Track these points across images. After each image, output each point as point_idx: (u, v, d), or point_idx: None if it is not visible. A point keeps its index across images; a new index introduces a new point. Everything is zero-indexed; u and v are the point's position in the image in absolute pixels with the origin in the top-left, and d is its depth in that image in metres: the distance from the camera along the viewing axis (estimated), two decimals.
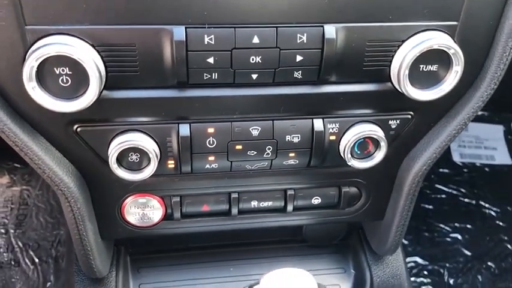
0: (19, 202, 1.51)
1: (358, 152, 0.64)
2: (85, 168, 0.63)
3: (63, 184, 0.61)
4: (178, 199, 0.68)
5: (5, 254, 1.42)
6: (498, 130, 1.78)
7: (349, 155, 0.64)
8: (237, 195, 0.69)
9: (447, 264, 1.50)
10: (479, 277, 1.49)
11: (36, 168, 0.61)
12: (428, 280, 1.47)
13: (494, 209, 1.61)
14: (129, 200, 0.67)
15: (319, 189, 0.71)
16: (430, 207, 1.60)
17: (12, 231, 1.46)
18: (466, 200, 1.62)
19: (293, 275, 0.45)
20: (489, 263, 1.51)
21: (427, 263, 1.49)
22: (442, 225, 1.56)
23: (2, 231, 1.46)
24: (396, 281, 0.77)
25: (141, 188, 0.66)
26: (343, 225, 0.84)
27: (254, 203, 0.70)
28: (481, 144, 1.74)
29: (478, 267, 1.50)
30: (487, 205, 1.61)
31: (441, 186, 1.64)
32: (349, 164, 0.64)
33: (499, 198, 1.62)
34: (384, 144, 0.64)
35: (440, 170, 1.68)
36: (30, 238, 1.45)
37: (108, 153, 0.59)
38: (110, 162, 0.60)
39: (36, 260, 1.41)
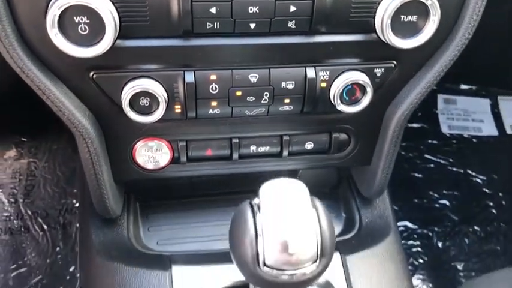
0: (27, 173, 1.58)
1: (347, 98, 0.71)
2: (100, 113, 0.70)
3: (81, 126, 0.68)
4: (184, 143, 0.75)
5: (15, 221, 1.49)
6: (485, 104, 1.85)
7: (339, 100, 0.70)
8: (237, 141, 0.76)
9: (436, 228, 1.58)
10: (466, 240, 1.57)
11: (56, 111, 0.67)
12: (418, 243, 1.54)
13: (481, 177, 1.68)
14: (139, 144, 0.74)
15: (311, 135, 0.78)
16: (420, 175, 1.68)
17: (21, 200, 1.53)
18: (454, 168, 1.70)
19: (288, 185, 0.52)
20: (475, 227, 1.59)
21: (416, 227, 1.57)
22: (431, 193, 1.64)
23: (12, 200, 1.53)
24: (383, 221, 0.85)
25: (150, 132, 0.73)
26: (334, 174, 0.91)
27: (253, 148, 0.77)
28: (468, 117, 1.81)
29: (465, 231, 1.58)
30: (473, 173, 1.69)
31: (430, 156, 1.72)
32: (339, 108, 0.71)
33: (485, 167, 1.70)
34: (369, 90, 0.71)
35: (430, 141, 1.75)
36: (38, 207, 1.52)
37: (121, 97, 0.66)
38: (123, 106, 0.66)
39: (45, 227, 1.48)
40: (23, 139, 1.63)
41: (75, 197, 1.53)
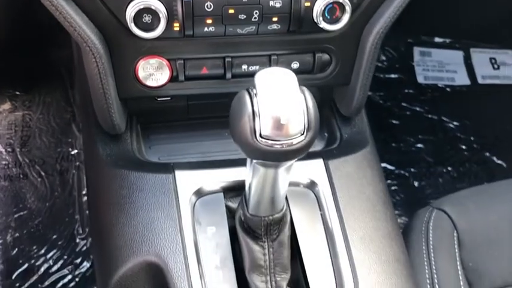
0: (22, 125, 1.64)
1: (328, 17, 0.79)
2: (107, 31, 0.76)
3: (91, 41, 0.75)
4: (182, 62, 0.82)
5: (13, 168, 1.55)
6: (458, 55, 1.95)
7: (321, 19, 0.79)
8: (230, 60, 0.83)
9: (412, 169, 1.69)
10: (440, 179, 1.69)
11: (68, 27, 0.74)
12: (396, 182, 1.66)
13: (454, 122, 1.80)
14: (142, 62, 0.81)
15: (297, 55, 0.86)
16: (397, 122, 1.78)
17: (18, 149, 1.59)
18: (429, 115, 1.80)
19: (280, 73, 0.61)
20: (449, 168, 1.71)
21: (394, 168, 1.68)
22: (408, 137, 1.75)
23: (9, 149, 1.59)
24: (361, 136, 0.94)
25: (152, 51, 0.80)
26: (317, 96, 0.99)
27: (244, 67, 0.85)
28: (443, 68, 1.92)
29: (439, 172, 1.70)
30: (447, 120, 1.80)
31: (407, 104, 1.82)
32: (321, 26, 0.79)
33: (458, 113, 1.81)
34: (348, 9, 0.79)
35: (407, 90, 1.85)
36: (35, 155, 1.58)
37: (126, 14, 0.73)
38: (127, 21, 0.73)
39: (43, 174, 1.55)
40: (16, 93, 1.68)
41: (71, 145, 1.60)
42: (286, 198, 0.79)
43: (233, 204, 0.81)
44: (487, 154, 1.74)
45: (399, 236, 0.82)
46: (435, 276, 0.90)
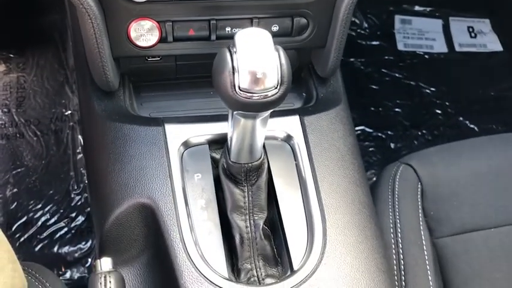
0: (17, 86, 1.70)
1: None
2: None
3: (87, 3, 0.82)
4: (170, 24, 0.89)
5: (10, 128, 1.62)
6: (437, 24, 2.03)
7: None
8: (215, 22, 0.90)
9: (389, 132, 1.79)
10: (415, 142, 1.79)
11: None
12: (373, 144, 1.76)
13: (431, 88, 1.89)
14: (134, 23, 0.88)
15: (277, 19, 0.93)
16: (377, 87, 1.87)
17: (14, 110, 1.66)
18: (408, 81, 1.89)
19: (256, 32, 0.69)
20: (424, 131, 1.81)
21: (372, 130, 1.78)
22: (386, 102, 1.84)
23: (5, 110, 1.66)
24: (335, 96, 1.02)
25: (143, 13, 0.87)
26: (295, 58, 1.07)
27: (228, 29, 0.92)
28: (422, 36, 2.00)
29: (415, 134, 1.80)
30: (424, 85, 1.89)
31: (387, 70, 1.90)
32: None
33: (435, 80, 1.90)
34: None
35: (386, 57, 1.93)
36: (30, 116, 1.65)
37: None
38: None
39: (38, 133, 1.62)
40: (10, 55, 1.74)
41: (65, 106, 1.67)
42: (265, 149, 0.89)
43: (217, 155, 0.90)
44: (461, 119, 1.84)
45: (365, 183, 0.91)
46: (398, 222, 1.00)
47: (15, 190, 1.53)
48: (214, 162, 0.90)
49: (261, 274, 0.80)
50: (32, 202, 1.51)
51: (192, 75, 1.05)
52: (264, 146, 0.86)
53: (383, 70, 1.89)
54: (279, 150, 0.91)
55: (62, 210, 1.52)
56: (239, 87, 0.66)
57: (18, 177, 1.55)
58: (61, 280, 0.92)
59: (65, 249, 1.46)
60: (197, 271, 0.75)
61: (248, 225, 0.81)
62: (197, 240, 0.79)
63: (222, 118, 0.89)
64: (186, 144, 0.89)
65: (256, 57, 0.66)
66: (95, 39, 0.86)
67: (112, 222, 0.83)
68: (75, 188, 1.55)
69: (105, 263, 0.73)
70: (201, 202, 0.83)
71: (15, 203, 1.51)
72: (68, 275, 1.44)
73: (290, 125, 0.93)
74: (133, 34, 0.89)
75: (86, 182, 1.51)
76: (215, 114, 0.94)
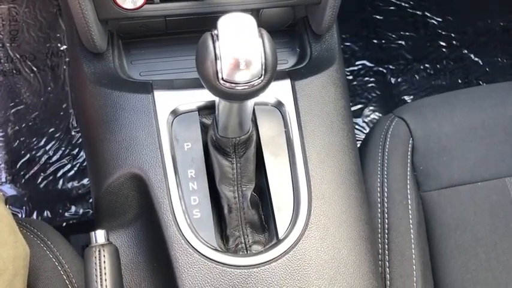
0: (9, 19, 1.66)
1: None
2: None
3: None
4: None
5: (6, 64, 1.61)
6: None
7: None
8: None
9: (390, 66, 1.75)
10: (417, 76, 1.76)
11: None
12: (373, 79, 1.73)
13: (437, 19, 1.82)
14: None
15: None
16: (381, 18, 1.80)
17: (8, 44, 1.63)
18: (413, 11, 1.82)
19: (240, 18, 0.66)
20: (426, 65, 1.78)
21: (373, 65, 1.75)
22: (389, 33, 1.78)
23: (0, 44, 1.63)
24: (329, 54, 0.99)
25: None
26: (291, 14, 1.03)
27: None
28: None
29: (416, 68, 1.77)
30: (430, 16, 1.82)
31: None
32: None
33: (442, 10, 1.82)
34: None
35: None
36: (25, 51, 1.63)
37: None
38: None
39: (35, 69, 1.61)
40: None
41: (60, 41, 1.64)
42: (255, 115, 0.89)
43: (207, 121, 0.91)
44: (465, 51, 1.79)
45: (354, 149, 0.93)
46: (385, 181, 1.03)
47: (16, 128, 1.55)
48: (205, 128, 0.91)
49: (248, 241, 0.84)
50: (34, 140, 1.55)
51: (183, 29, 1.02)
52: (253, 111, 0.87)
53: None
54: (269, 116, 0.91)
55: (63, 148, 1.55)
56: (222, 77, 0.65)
57: (19, 115, 1.57)
58: (61, 235, 0.97)
59: (69, 185, 1.52)
60: (187, 243, 0.79)
61: (236, 196, 0.84)
62: (187, 210, 0.83)
63: None
64: (176, 112, 0.89)
65: (239, 45, 0.64)
66: (78, 4, 0.83)
67: (105, 189, 0.87)
68: (75, 125, 1.58)
69: (99, 236, 0.77)
70: (190, 172, 0.86)
71: (18, 141, 1.55)
72: (73, 210, 1.51)
73: (281, 89, 0.92)
74: None
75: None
76: None
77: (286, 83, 0.92)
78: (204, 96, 0.90)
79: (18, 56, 1.62)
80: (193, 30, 1.00)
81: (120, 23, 0.97)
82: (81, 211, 1.51)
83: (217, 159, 0.84)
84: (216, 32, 0.66)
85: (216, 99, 0.76)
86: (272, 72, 0.67)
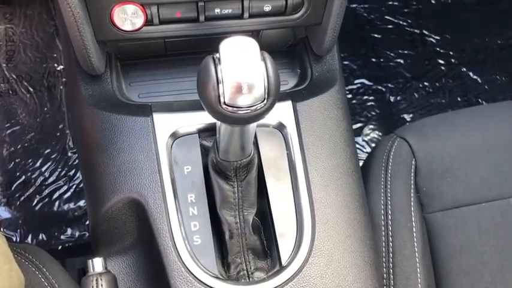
0: (5, 39, 1.65)
1: None
2: None
3: None
4: (156, 7, 0.84)
5: (1, 84, 1.60)
6: None
7: None
8: (203, 4, 0.85)
9: (389, 85, 1.75)
10: (416, 95, 1.76)
11: None
12: (372, 98, 1.73)
13: (436, 37, 1.82)
14: (116, 8, 0.83)
15: None
16: (379, 36, 1.80)
17: (4, 65, 1.62)
18: (411, 29, 1.82)
19: (242, 42, 0.65)
20: (425, 83, 1.77)
21: (371, 83, 1.74)
22: (387, 52, 1.78)
23: None
24: (330, 75, 0.98)
25: None
26: (291, 35, 1.02)
27: (217, 10, 0.87)
28: None
29: (415, 87, 1.76)
30: (428, 34, 1.82)
31: (390, 17, 1.82)
32: None
33: (440, 28, 1.82)
34: None
35: (390, 3, 1.84)
36: (22, 71, 1.62)
37: None
38: None
39: (31, 89, 1.60)
40: None
41: (56, 61, 1.63)
42: (256, 137, 0.87)
43: (208, 143, 0.89)
44: (464, 69, 1.79)
45: (357, 172, 0.91)
46: (389, 203, 1.01)
47: (12, 149, 1.53)
48: (205, 150, 0.89)
49: (250, 268, 0.82)
50: (29, 161, 1.52)
51: (182, 51, 1.01)
52: (255, 134, 0.85)
53: (386, 17, 1.81)
54: (271, 138, 0.89)
55: (59, 169, 1.53)
56: (224, 102, 0.64)
57: (14, 136, 1.55)
58: (56, 261, 0.94)
59: (65, 207, 1.50)
60: (187, 271, 0.77)
61: (238, 221, 0.82)
62: (187, 237, 0.80)
63: None
64: (175, 135, 0.87)
65: (241, 69, 0.63)
66: (76, 27, 0.82)
67: (103, 215, 0.84)
68: (72, 146, 1.55)
69: (97, 264, 0.74)
70: (190, 196, 0.84)
71: (13, 163, 1.52)
72: (69, 232, 1.48)
73: (282, 111, 0.91)
74: (116, 18, 0.84)
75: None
76: None
77: (288, 104, 0.91)
78: (204, 118, 0.88)
79: (14, 76, 1.61)
80: (193, 52, 1.00)
81: (118, 44, 0.96)
82: (77, 234, 1.48)
83: (218, 183, 0.82)
84: (217, 55, 0.64)
85: (217, 122, 0.75)
86: (275, 96, 0.66)
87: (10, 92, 1.59)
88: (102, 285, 0.71)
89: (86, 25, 0.82)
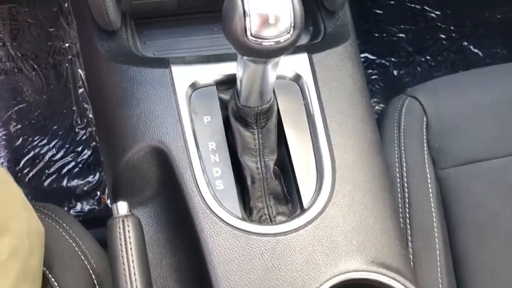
0: (9, 18, 1.64)
1: None
2: None
3: None
4: None
5: (7, 63, 1.59)
6: None
7: None
8: None
9: (392, 59, 1.76)
10: (418, 68, 1.77)
11: None
12: (376, 71, 1.74)
13: (436, 12, 1.83)
14: None
15: None
16: (381, 12, 1.81)
17: (9, 44, 1.61)
18: (412, 5, 1.83)
19: None
20: (427, 57, 1.79)
21: (375, 58, 1.75)
22: (390, 27, 1.79)
23: (0, 44, 1.61)
24: (343, 30, 0.99)
25: None
26: None
27: None
28: None
29: (418, 60, 1.78)
30: (429, 9, 1.83)
31: None
32: None
33: (440, 2, 1.84)
34: None
35: None
36: (27, 49, 1.61)
37: None
38: None
39: (37, 67, 1.59)
40: None
41: (61, 39, 1.63)
42: (273, 89, 0.88)
43: (225, 96, 0.89)
44: (465, 43, 1.80)
45: (373, 121, 0.92)
46: (403, 157, 1.02)
47: (19, 126, 1.53)
48: (223, 103, 0.89)
49: (272, 212, 0.83)
50: (37, 137, 1.52)
51: (195, 10, 1.01)
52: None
53: None
54: (288, 90, 0.90)
55: (67, 145, 1.53)
56: (250, 33, 0.64)
57: (21, 113, 1.54)
58: (76, 219, 0.95)
59: (74, 183, 1.50)
60: (212, 212, 0.77)
61: (259, 166, 0.83)
62: (210, 182, 0.81)
63: (229, 57, 0.88)
64: (194, 86, 0.88)
65: (267, 0, 0.64)
66: None
67: (124, 165, 0.85)
68: (79, 122, 1.55)
69: (121, 207, 0.75)
70: (211, 144, 0.84)
71: (20, 139, 1.52)
72: (78, 207, 1.48)
73: (298, 63, 0.91)
74: None
75: (93, 123, 1.52)
76: (221, 53, 0.92)
77: (304, 56, 0.92)
78: (221, 70, 0.89)
79: (19, 54, 1.60)
80: (206, 11, 1.00)
81: (132, 2, 0.96)
82: (86, 208, 1.47)
83: (239, 130, 0.83)
84: None
85: (238, 65, 0.75)
86: (300, 29, 0.66)
87: (16, 70, 1.59)
88: (128, 226, 0.72)
89: None
